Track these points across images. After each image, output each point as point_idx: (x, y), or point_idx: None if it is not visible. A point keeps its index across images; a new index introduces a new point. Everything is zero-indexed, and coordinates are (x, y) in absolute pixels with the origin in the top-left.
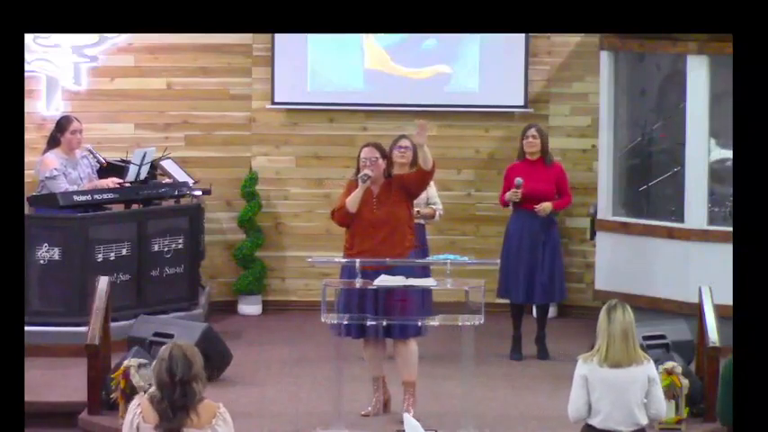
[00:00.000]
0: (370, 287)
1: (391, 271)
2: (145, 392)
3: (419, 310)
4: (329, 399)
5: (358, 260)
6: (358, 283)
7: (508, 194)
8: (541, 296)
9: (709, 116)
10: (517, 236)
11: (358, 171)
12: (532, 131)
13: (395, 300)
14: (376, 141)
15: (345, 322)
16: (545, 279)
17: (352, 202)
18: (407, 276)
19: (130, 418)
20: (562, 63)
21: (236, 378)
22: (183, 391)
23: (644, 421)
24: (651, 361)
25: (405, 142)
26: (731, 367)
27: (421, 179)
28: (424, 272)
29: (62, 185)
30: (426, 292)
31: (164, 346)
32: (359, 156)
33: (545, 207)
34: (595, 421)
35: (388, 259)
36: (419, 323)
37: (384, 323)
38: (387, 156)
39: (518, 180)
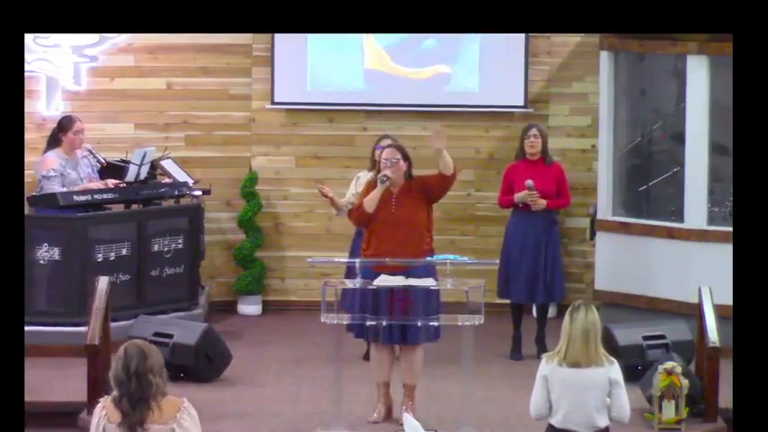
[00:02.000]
0: (383, 289)
1: (408, 273)
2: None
3: (436, 311)
4: (329, 399)
5: (358, 260)
6: (358, 283)
7: (521, 195)
8: (544, 296)
9: (709, 116)
10: (519, 236)
11: (378, 171)
12: (533, 131)
13: (410, 302)
14: (398, 143)
15: (357, 322)
16: (548, 279)
17: (370, 202)
18: (421, 278)
19: (96, 421)
20: (562, 63)
21: (236, 378)
22: (138, 384)
23: (603, 424)
24: (615, 363)
25: (386, 142)
26: None
27: (442, 184)
28: (433, 272)
29: (56, 187)
30: (435, 293)
31: (120, 348)
32: (372, 153)
33: (541, 203)
34: (555, 421)
35: (387, 259)
36: (433, 327)
37: (399, 329)
38: (408, 157)
39: (529, 182)
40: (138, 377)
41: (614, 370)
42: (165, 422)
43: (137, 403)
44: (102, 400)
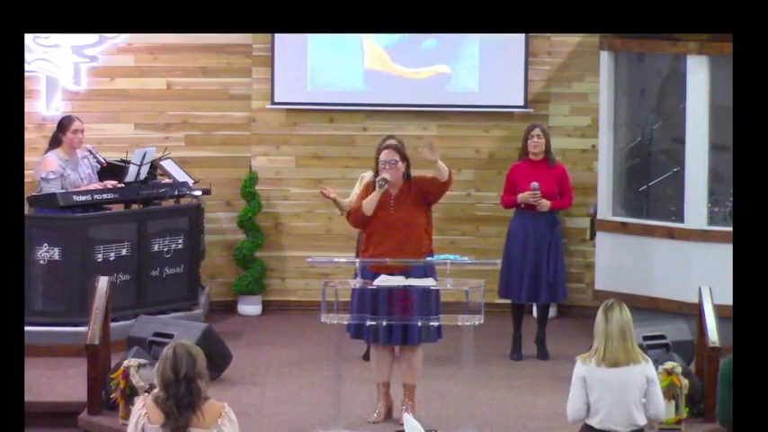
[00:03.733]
0: (382, 289)
1: (407, 273)
2: (147, 393)
3: (436, 311)
4: (329, 399)
5: (358, 260)
6: (358, 283)
7: (524, 196)
8: (548, 296)
9: (708, 116)
10: (521, 236)
11: (377, 172)
12: (537, 131)
13: (410, 302)
14: (396, 143)
15: (356, 322)
16: (551, 279)
17: (369, 205)
18: (421, 279)
19: (135, 420)
20: (562, 63)
21: (236, 378)
22: (188, 388)
23: (642, 422)
24: (650, 361)
25: (391, 142)
26: (730, 367)
27: (439, 187)
28: (433, 273)
29: (54, 190)
30: (435, 293)
31: (167, 346)
32: (377, 156)
33: (545, 204)
34: (594, 421)
35: (387, 259)
36: (434, 327)
37: (399, 330)
38: (407, 158)
39: (534, 184)
40: (188, 382)
41: (650, 367)
42: (208, 427)
43: (184, 408)
44: (141, 398)
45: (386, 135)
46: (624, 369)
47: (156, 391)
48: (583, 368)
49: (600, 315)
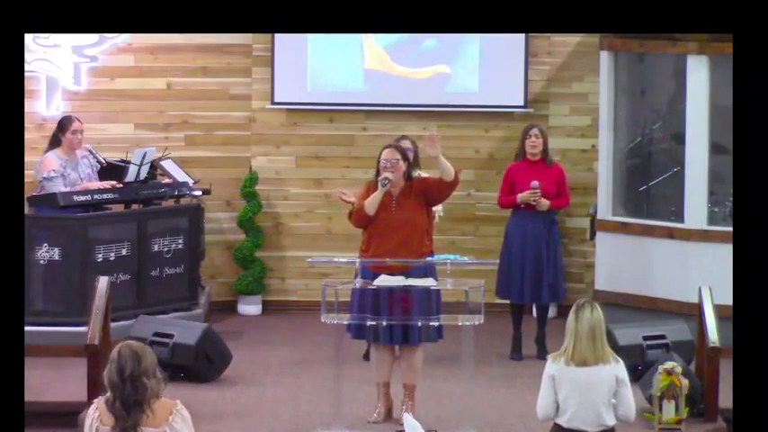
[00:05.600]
0: (382, 289)
1: (407, 273)
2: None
3: (437, 311)
4: (329, 399)
5: (358, 260)
6: (358, 283)
7: (524, 196)
8: (549, 296)
9: (708, 116)
10: (520, 236)
11: (378, 172)
12: (535, 131)
13: (411, 302)
14: (397, 144)
15: (357, 322)
16: (551, 278)
17: (371, 205)
18: (421, 279)
19: (89, 423)
20: (562, 63)
21: (236, 378)
22: (133, 387)
23: (611, 422)
24: (620, 362)
25: (405, 143)
26: None
27: (444, 189)
28: (433, 273)
29: (57, 188)
30: (436, 293)
31: (113, 348)
32: (379, 157)
33: (544, 203)
34: (562, 420)
35: (387, 259)
36: (433, 327)
37: (400, 330)
38: (408, 158)
39: (534, 183)
40: (133, 381)
41: (621, 368)
42: (158, 425)
43: (131, 407)
44: (95, 401)
45: (399, 135)
46: (593, 369)
47: (106, 394)
48: (552, 366)
49: (571, 314)
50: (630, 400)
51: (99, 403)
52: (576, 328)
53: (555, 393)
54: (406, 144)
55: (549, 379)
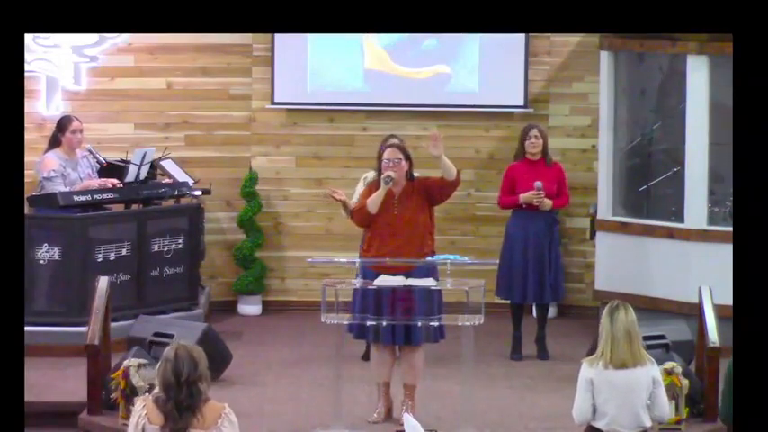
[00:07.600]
0: (384, 289)
1: (408, 273)
2: (147, 393)
3: (438, 311)
4: (329, 399)
5: (358, 260)
6: (358, 283)
7: (527, 196)
8: (551, 296)
9: (708, 116)
10: (521, 236)
11: (380, 172)
12: (535, 132)
13: (413, 302)
14: (398, 142)
15: (358, 322)
16: (552, 278)
17: (374, 203)
18: (422, 279)
19: (135, 420)
20: (562, 63)
21: (236, 378)
22: (189, 392)
23: (648, 423)
24: (654, 362)
25: (393, 141)
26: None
27: (445, 188)
28: (434, 273)
29: (58, 188)
30: (438, 293)
31: (168, 347)
32: (379, 155)
33: (547, 203)
34: (601, 424)
35: (387, 259)
36: (435, 327)
37: (402, 330)
38: (410, 157)
39: (538, 183)
40: (189, 385)
41: (656, 369)
42: (207, 428)
43: (184, 410)
44: (141, 398)
45: (387, 134)
46: (631, 371)
47: (156, 391)
48: (590, 371)
49: (605, 317)
50: (665, 400)
51: (147, 401)
52: (612, 330)
53: (593, 398)
54: (396, 143)
55: (587, 383)
